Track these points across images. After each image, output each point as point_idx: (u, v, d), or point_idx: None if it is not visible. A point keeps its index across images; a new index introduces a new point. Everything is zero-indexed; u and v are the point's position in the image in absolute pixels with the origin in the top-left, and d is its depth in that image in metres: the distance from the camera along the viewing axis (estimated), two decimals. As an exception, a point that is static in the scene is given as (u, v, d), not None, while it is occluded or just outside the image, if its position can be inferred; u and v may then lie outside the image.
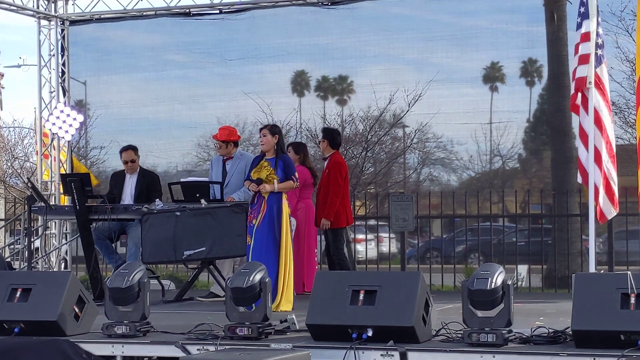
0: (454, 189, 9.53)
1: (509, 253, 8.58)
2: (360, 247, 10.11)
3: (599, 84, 5.48)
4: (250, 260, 5.96)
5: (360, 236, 10.13)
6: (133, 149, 7.45)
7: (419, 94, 9.05)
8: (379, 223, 9.37)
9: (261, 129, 6.36)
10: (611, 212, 5.56)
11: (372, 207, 9.90)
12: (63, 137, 8.74)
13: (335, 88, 10.26)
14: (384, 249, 10.24)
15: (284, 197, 6.21)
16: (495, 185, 9.71)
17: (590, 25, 5.48)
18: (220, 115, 9.37)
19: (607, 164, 5.49)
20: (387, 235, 9.66)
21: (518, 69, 9.10)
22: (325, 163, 7.06)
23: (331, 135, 7.13)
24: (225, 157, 7.23)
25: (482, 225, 9.08)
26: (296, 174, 6.24)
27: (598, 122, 5.48)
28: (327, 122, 9.74)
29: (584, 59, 5.47)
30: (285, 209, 6.19)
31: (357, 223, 9.46)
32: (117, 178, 7.50)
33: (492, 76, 9.32)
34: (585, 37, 5.49)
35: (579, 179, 5.65)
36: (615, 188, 5.60)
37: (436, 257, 9.82)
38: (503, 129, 9.25)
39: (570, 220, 8.61)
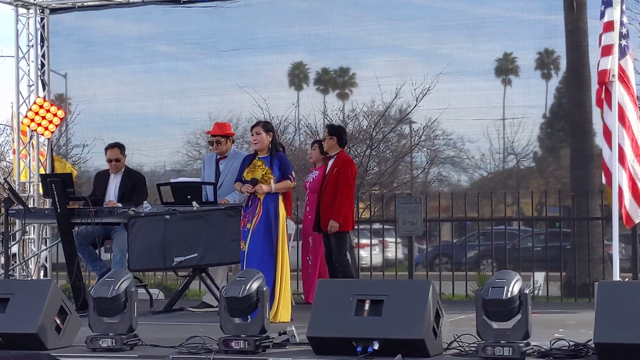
0: (465, 190, 9.53)
1: (525, 259, 8.57)
2: (364, 253, 10.11)
3: (623, 77, 5.47)
4: (244, 267, 5.95)
5: (365, 241, 10.12)
6: (119, 146, 7.44)
7: (427, 88, 9.05)
8: (385, 227, 9.37)
9: (253, 127, 6.36)
10: (638, 214, 5.56)
11: (377, 210, 9.90)
12: (42, 135, 8.72)
13: (337, 81, 10.26)
14: (390, 254, 10.23)
15: (281, 198, 6.21)
16: (510, 186, 9.71)
17: (614, 14, 5.48)
18: (212, 111, 9.38)
19: (632, 163, 5.48)
20: (393, 240, 9.67)
21: (534, 60, 9.11)
22: (332, 161, 7.05)
23: (339, 133, 7.18)
24: (218, 156, 7.22)
25: (496, 229, 9.08)
26: (293, 172, 6.24)
27: (622, 118, 5.48)
28: (328, 118, 9.74)
29: (606, 50, 5.46)
30: (282, 211, 6.19)
31: (361, 227, 9.45)
32: (101, 178, 7.49)
33: (506, 68, 9.32)
34: (609, 26, 5.49)
35: (604, 180, 5.65)
36: None
37: (446, 264, 9.81)
38: (517, 125, 9.25)
39: (591, 224, 8.59)
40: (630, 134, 5.49)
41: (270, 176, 6.12)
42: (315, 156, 7.45)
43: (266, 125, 6.30)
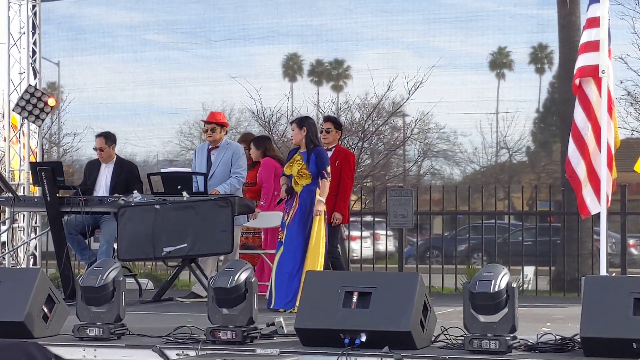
0: (457, 183, 9.55)
1: (515, 253, 8.60)
2: (355, 245, 10.11)
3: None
4: (280, 258, 6.12)
5: (355, 233, 10.13)
6: (105, 136, 7.39)
7: (419, 81, 9.06)
8: (376, 219, 9.38)
9: (290, 123, 6.51)
10: (597, 207, 5.63)
11: (368, 202, 9.91)
12: (33, 122, 8.69)
13: (331, 73, 10.25)
14: (381, 247, 10.24)
15: (318, 192, 6.29)
16: (501, 180, 9.73)
17: (601, 10, 5.49)
18: (204, 101, 9.38)
19: (594, 157, 5.54)
20: (384, 232, 9.68)
21: (527, 55, 9.12)
22: (330, 154, 7.09)
23: (342, 127, 7.28)
24: (210, 146, 7.21)
25: (487, 223, 9.09)
26: (328, 168, 6.32)
27: (589, 112, 5.53)
28: (321, 110, 9.74)
29: (590, 46, 5.48)
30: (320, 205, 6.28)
31: (352, 219, 9.47)
32: (92, 167, 7.47)
33: (499, 62, 9.33)
34: (594, 22, 5.50)
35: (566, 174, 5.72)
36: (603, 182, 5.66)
37: (437, 257, 9.83)
38: (510, 120, 9.28)
39: (580, 219, 8.62)
40: (596, 128, 5.53)
41: (305, 172, 6.24)
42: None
43: (300, 122, 6.40)
